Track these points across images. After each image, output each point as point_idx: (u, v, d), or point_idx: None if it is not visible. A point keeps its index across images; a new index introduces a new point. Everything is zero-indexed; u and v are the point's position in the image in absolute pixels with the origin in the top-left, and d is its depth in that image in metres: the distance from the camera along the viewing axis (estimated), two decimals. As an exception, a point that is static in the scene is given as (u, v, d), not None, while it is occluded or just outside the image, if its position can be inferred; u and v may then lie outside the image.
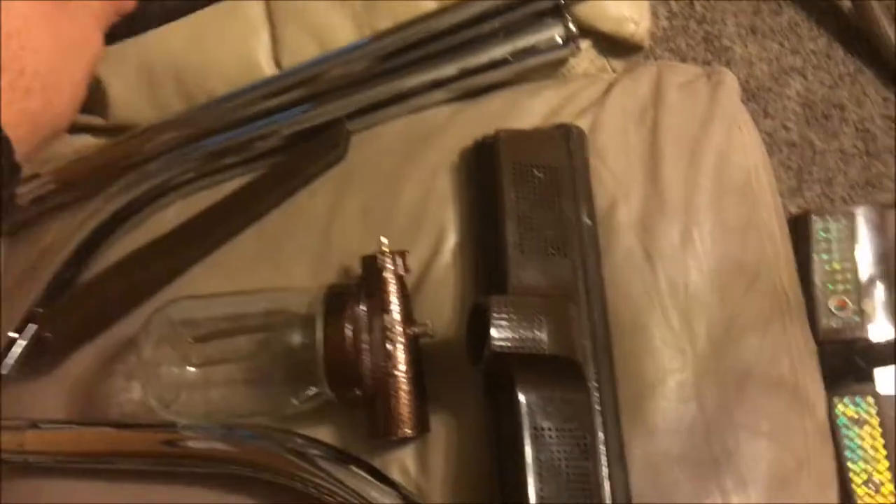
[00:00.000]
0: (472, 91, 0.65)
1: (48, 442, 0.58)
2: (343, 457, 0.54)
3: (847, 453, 1.01)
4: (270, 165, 0.65)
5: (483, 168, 0.58)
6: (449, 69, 0.63)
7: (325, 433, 0.56)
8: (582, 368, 0.50)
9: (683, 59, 1.23)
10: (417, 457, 0.55)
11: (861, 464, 1.00)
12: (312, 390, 0.54)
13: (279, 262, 0.61)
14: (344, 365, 0.52)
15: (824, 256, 1.07)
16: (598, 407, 0.51)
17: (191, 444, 0.55)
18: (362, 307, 0.54)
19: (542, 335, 0.49)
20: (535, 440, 0.49)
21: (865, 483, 0.99)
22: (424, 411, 0.54)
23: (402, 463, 0.55)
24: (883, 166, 1.09)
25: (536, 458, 0.48)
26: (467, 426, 0.54)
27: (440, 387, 0.55)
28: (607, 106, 0.62)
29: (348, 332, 0.52)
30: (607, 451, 0.50)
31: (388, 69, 0.64)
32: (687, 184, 0.59)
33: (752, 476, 0.53)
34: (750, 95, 1.19)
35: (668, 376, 0.54)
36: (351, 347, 0.52)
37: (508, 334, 0.48)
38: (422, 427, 0.53)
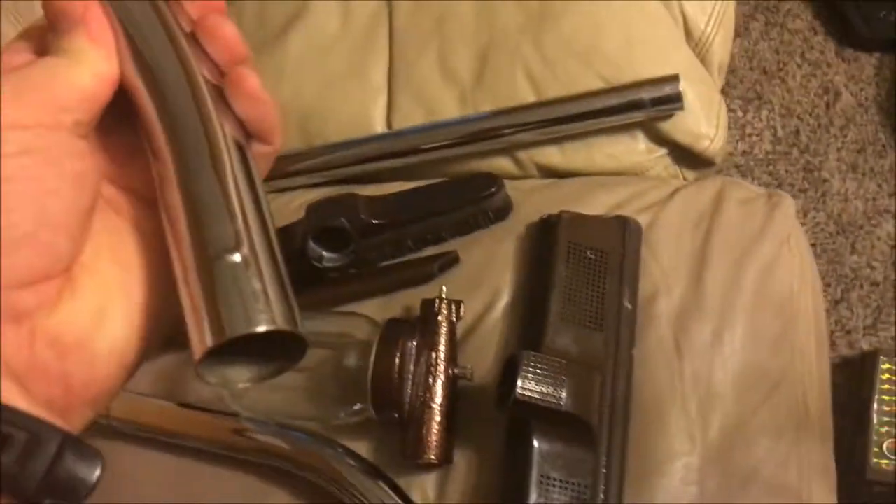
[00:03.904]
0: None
1: (132, 412, 0.68)
2: (373, 471, 0.61)
3: None
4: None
5: (543, 242, 0.65)
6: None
7: (362, 447, 0.63)
8: (594, 431, 0.56)
9: (780, 184, 1.26)
10: (438, 484, 0.61)
11: None
12: (358, 406, 0.61)
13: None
14: (388, 389, 0.59)
15: (885, 398, 1.08)
16: (604, 470, 0.56)
17: (253, 436, 0.63)
18: (413, 342, 0.61)
19: (563, 393, 0.55)
20: (540, 486, 0.54)
21: None
22: (451, 444, 0.60)
23: (423, 487, 0.61)
24: (961, 321, 1.09)
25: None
26: (487, 466, 0.60)
27: (470, 426, 0.62)
28: (668, 207, 0.68)
29: (396, 361, 0.60)
30: (605, 510, 0.55)
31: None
32: (727, 289, 0.64)
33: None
34: (840, 229, 1.21)
35: (676, 458, 0.59)
36: (396, 375, 0.60)
37: (533, 386, 0.55)
38: (446, 457, 0.60)
